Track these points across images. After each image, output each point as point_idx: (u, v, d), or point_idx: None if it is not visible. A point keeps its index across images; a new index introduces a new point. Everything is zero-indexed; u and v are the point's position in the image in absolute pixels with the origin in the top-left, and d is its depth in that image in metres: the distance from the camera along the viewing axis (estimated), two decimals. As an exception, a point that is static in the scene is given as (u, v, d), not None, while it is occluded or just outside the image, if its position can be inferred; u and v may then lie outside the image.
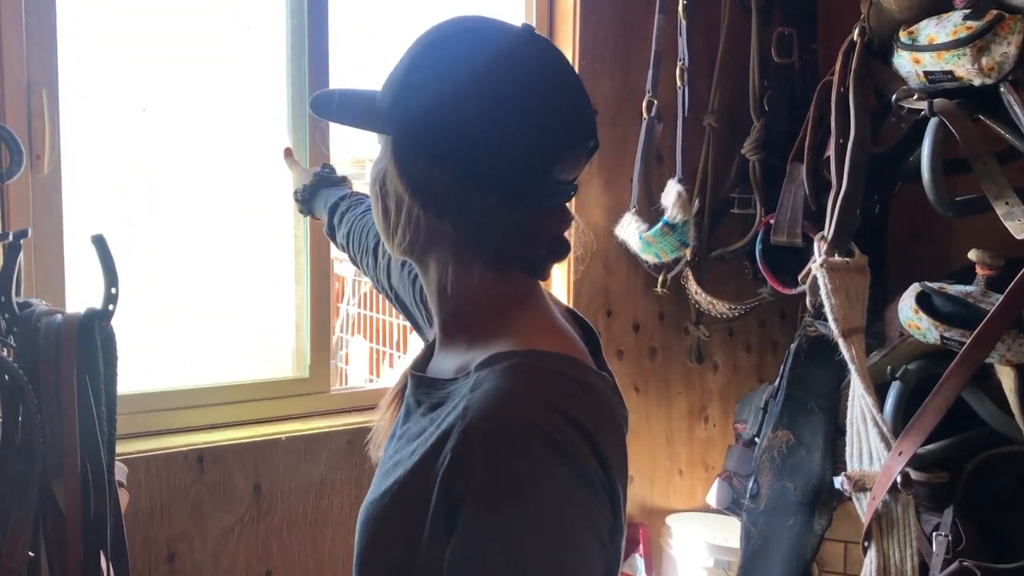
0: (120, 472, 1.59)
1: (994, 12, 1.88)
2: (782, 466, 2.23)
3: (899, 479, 1.91)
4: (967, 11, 1.91)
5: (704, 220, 2.59)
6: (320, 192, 1.87)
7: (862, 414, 2.01)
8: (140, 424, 2.05)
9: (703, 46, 2.59)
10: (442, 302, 1.02)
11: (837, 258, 2.13)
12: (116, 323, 1.47)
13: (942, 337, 1.93)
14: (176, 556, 2.04)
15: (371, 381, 4.83)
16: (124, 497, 1.57)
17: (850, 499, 2.04)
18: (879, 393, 2.05)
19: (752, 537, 2.26)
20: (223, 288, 2.30)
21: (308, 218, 2.11)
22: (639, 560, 2.72)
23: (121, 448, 1.84)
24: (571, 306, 1.26)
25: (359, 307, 5.19)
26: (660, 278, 2.66)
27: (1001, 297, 1.85)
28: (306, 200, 1.92)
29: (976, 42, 1.88)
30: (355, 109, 1.02)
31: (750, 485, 2.29)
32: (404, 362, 4.49)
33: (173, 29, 2.15)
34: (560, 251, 1.01)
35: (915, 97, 2.07)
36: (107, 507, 1.42)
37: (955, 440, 2.07)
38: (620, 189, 2.61)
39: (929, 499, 2.04)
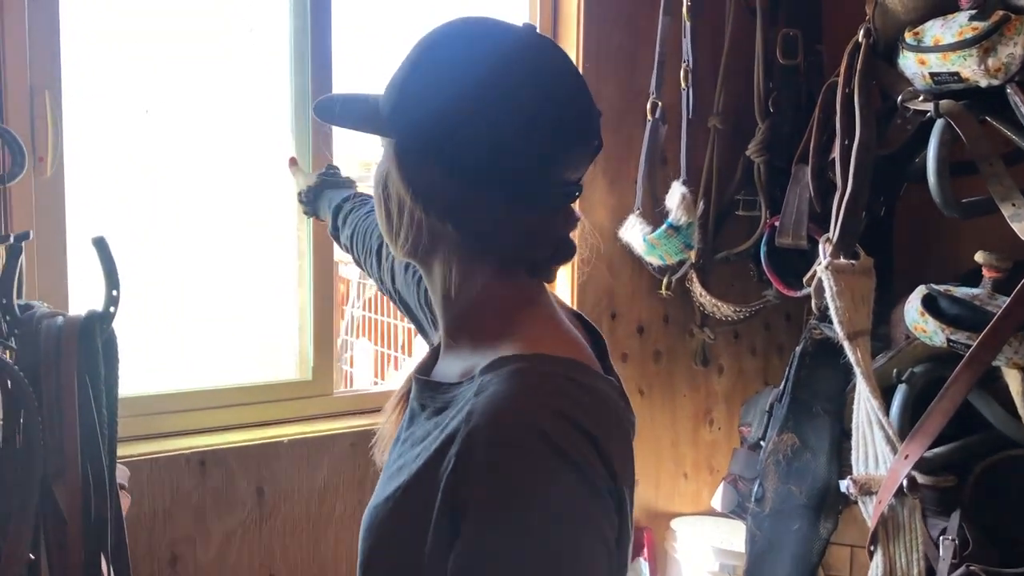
0: (122, 475, 1.59)
1: (1000, 13, 1.87)
2: (787, 470, 2.22)
3: (905, 483, 1.90)
4: (973, 12, 1.90)
5: (709, 222, 2.58)
6: (324, 193, 1.87)
7: (868, 417, 2.00)
8: (142, 427, 2.05)
9: (707, 47, 2.58)
10: (446, 305, 1.01)
11: (842, 260, 2.11)
12: (118, 325, 1.47)
13: (948, 340, 1.92)
14: (178, 559, 2.04)
15: (376, 384, 4.83)
16: (125, 500, 1.57)
17: (856, 503, 2.03)
18: (885, 396, 2.04)
19: (757, 541, 2.25)
20: (226, 290, 2.30)
21: (311, 220, 2.11)
22: (644, 564, 2.71)
23: (123, 451, 1.84)
24: (574, 309, 1.25)
25: (364, 310, 5.19)
26: (664, 280, 2.65)
27: (1008, 299, 1.84)
28: (310, 202, 1.92)
29: (982, 43, 1.87)
30: (357, 112, 1.01)
31: (755, 489, 2.28)
32: (409, 365, 4.49)
33: (176, 30, 2.15)
34: (566, 253, 1.00)
35: (921, 98, 2.06)
36: (108, 510, 1.42)
37: (962, 444, 2.06)
38: (624, 191, 2.60)
39: (936, 503, 2.03)
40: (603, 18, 2.56)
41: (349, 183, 1.92)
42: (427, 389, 1.00)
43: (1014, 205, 1.90)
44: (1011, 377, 1.92)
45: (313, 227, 2.24)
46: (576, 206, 1.00)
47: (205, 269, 2.26)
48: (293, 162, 2.06)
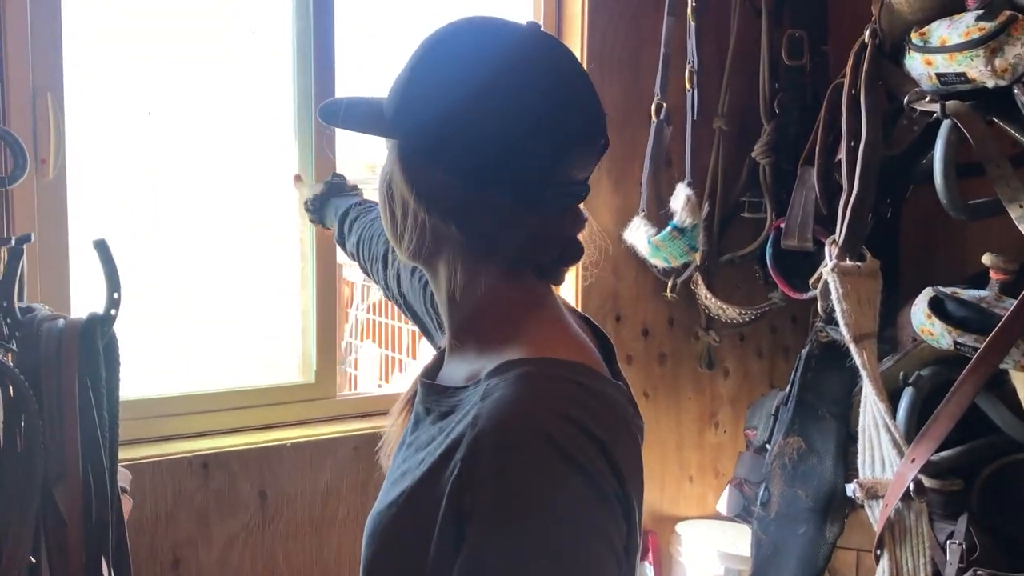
0: (123, 478, 1.58)
1: (1007, 13, 1.86)
2: (793, 473, 2.21)
3: (912, 486, 1.89)
4: (980, 12, 1.89)
5: (714, 224, 2.57)
6: (331, 201, 1.87)
7: (874, 420, 1.99)
8: (144, 430, 2.04)
9: (713, 49, 2.57)
10: (452, 308, 1.00)
11: (848, 262, 2.10)
12: (120, 328, 1.46)
13: (955, 342, 1.91)
14: (181, 563, 2.03)
15: (380, 387, 4.83)
16: (127, 503, 1.56)
17: (862, 507, 2.01)
18: (892, 399, 2.03)
19: (763, 545, 2.24)
20: (228, 292, 2.30)
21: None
22: (649, 568, 2.70)
23: (125, 454, 1.83)
24: (581, 312, 1.24)
25: (368, 313, 5.19)
26: (669, 283, 2.64)
27: (1015, 302, 1.82)
28: (317, 210, 1.93)
29: (989, 43, 1.85)
30: (361, 115, 1.00)
31: (761, 492, 2.26)
32: (415, 368, 4.49)
33: (178, 31, 2.14)
34: (574, 254, 0.99)
35: (927, 99, 2.04)
36: (109, 513, 1.41)
37: (969, 447, 2.04)
38: (628, 193, 2.59)
39: (943, 507, 2.01)
40: (607, 19, 2.56)
41: (355, 190, 1.92)
42: (432, 393, 0.99)
43: (1021, 207, 1.88)
44: (1018, 380, 1.91)
45: (316, 229, 2.23)
46: (583, 207, 0.99)
47: (207, 271, 2.25)
48: (298, 179, 2.07)
